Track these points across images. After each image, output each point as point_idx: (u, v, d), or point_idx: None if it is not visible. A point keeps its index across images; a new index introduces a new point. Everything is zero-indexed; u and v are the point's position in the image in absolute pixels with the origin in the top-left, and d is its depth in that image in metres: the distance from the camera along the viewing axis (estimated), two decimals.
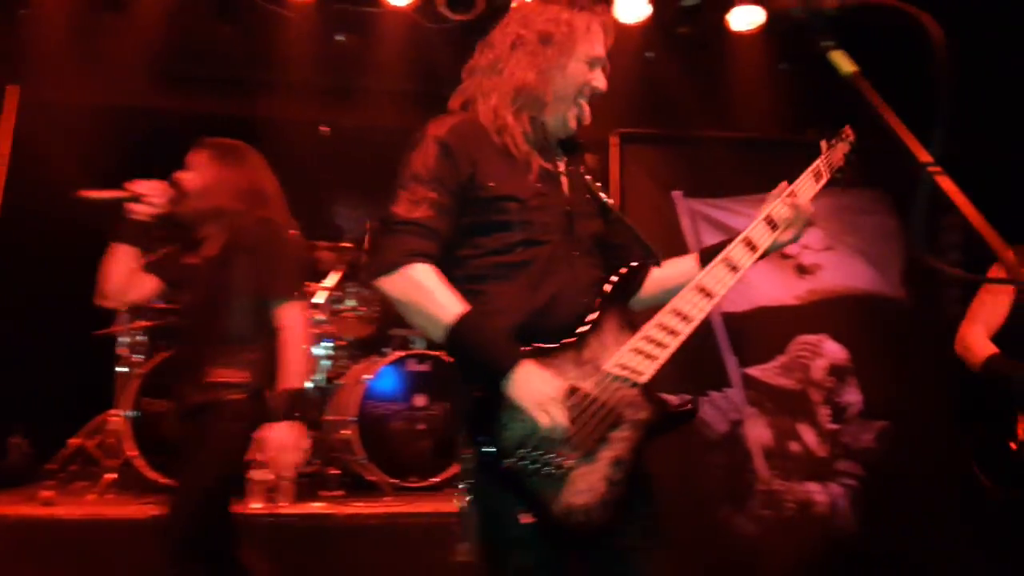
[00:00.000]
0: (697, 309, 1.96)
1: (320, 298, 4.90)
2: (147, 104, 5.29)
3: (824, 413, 5.30)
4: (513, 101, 2.01)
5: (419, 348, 4.88)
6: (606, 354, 1.90)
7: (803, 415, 5.26)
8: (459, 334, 1.84)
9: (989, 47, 4.85)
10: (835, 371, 5.35)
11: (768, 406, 5.19)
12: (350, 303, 5.03)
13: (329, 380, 4.95)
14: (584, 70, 2.03)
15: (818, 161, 2.21)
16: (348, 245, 5.22)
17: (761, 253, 2.04)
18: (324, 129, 5.98)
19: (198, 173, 2.95)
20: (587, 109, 2.08)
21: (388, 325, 5.14)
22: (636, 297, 2.16)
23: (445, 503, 3.94)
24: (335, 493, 4.16)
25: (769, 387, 5.24)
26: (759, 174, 5.38)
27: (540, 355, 1.85)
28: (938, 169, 1.49)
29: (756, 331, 5.11)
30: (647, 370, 1.91)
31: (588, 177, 2.13)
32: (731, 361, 5.14)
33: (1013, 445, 3.08)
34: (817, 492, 5.16)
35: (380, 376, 4.40)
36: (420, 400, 4.40)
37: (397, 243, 1.89)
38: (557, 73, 2.01)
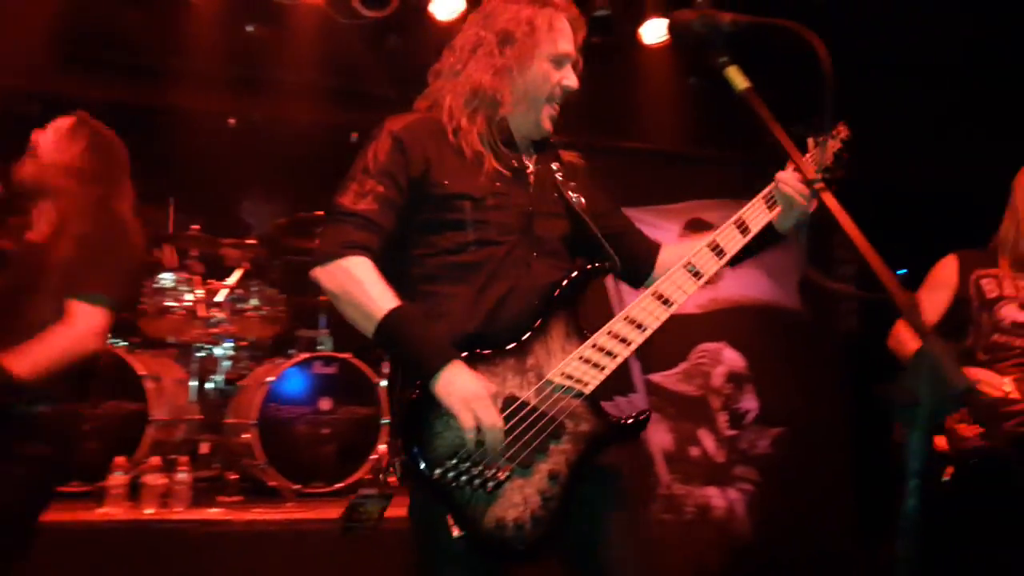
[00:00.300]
0: (652, 318, 1.90)
1: (221, 296, 4.74)
2: (47, 88, 5.01)
3: (723, 419, 5.46)
4: (467, 103, 1.98)
5: (326, 350, 4.78)
6: (551, 361, 1.85)
7: (703, 421, 5.40)
8: (389, 329, 1.78)
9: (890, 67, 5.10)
10: (733, 378, 5.52)
11: (670, 411, 5.31)
12: (253, 302, 4.87)
13: (229, 382, 4.80)
14: (549, 69, 2.00)
15: (802, 159, 2.00)
16: (253, 241, 5.07)
17: (728, 258, 1.98)
18: (231, 121, 5.81)
19: (52, 140, 2.65)
20: (556, 110, 2.04)
21: (294, 326, 5.02)
22: (651, 278, 2.14)
23: None
24: (233, 499, 4.03)
25: (671, 393, 5.36)
26: (670, 186, 5.58)
27: (478, 361, 1.80)
28: (822, 186, 1.51)
29: (660, 338, 5.20)
30: (592, 380, 1.85)
31: (559, 177, 2.08)
32: (635, 367, 5.24)
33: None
34: (715, 496, 5.31)
35: (284, 378, 4.28)
36: (326, 404, 4.30)
37: (336, 233, 1.85)
38: (516, 73, 1.98)
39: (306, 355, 4.41)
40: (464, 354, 1.79)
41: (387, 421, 4.37)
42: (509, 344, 1.84)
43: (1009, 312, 3.10)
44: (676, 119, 5.57)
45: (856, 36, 4.78)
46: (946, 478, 2.92)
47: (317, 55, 5.28)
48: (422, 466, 1.73)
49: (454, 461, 1.73)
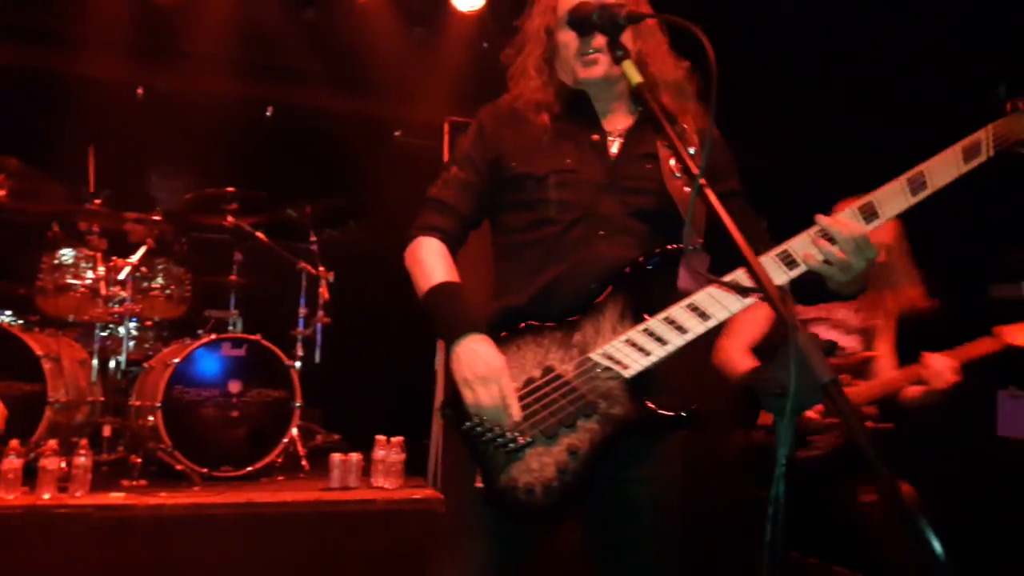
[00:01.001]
0: (720, 307, 1.79)
1: (124, 274, 4.57)
2: None
3: None
4: (531, 81, 2.05)
5: (236, 331, 4.67)
6: (598, 340, 1.85)
7: None
8: (425, 305, 1.93)
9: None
10: None
11: None
12: (159, 281, 4.72)
13: (133, 362, 4.64)
14: (566, 43, 2.01)
15: (985, 130, 1.77)
16: (158, 217, 4.88)
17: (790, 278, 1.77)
18: (138, 91, 5.60)
19: None
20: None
21: (202, 306, 4.89)
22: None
23: (260, 493, 3.80)
24: (137, 483, 3.91)
25: None
26: None
27: (525, 332, 1.87)
28: (704, 181, 1.53)
29: None
30: (634, 364, 1.81)
31: (663, 146, 1.95)
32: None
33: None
34: None
35: (190, 360, 4.17)
36: (235, 386, 4.21)
37: (418, 218, 2.03)
38: (552, 45, 2.04)
39: (214, 336, 4.30)
40: (508, 327, 1.88)
41: (299, 404, 4.32)
42: (560, 319, 1.88)
43: (819, 332, 3.35)
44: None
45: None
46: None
47: (231, 26, 5.15)
48: (455, 418, 1.85)
49: (479, 418, 1.82)
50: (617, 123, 2.03)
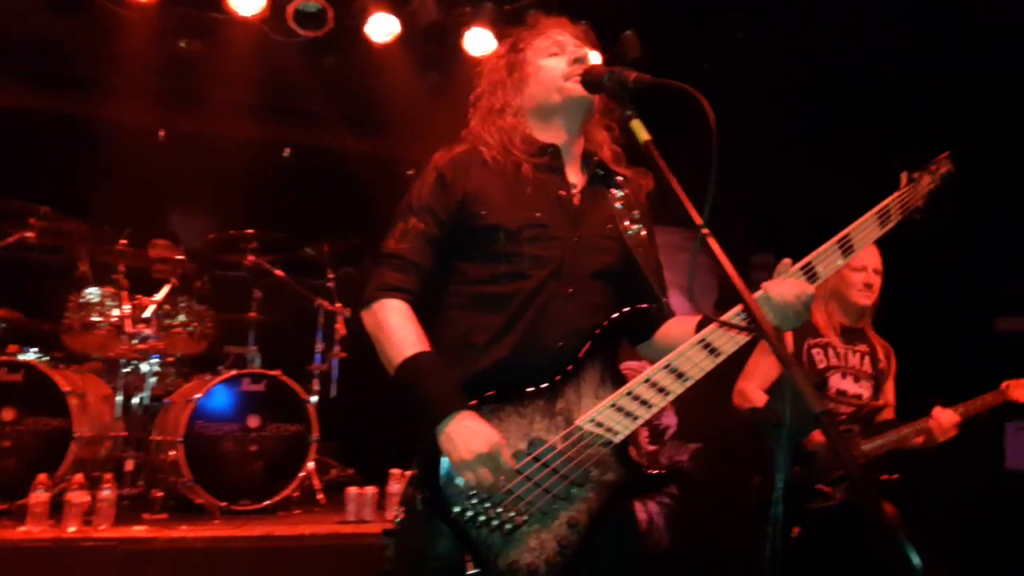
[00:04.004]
0: (697, 368, 1.81)
1: (149, 312, 4.71)
2: None
3: (644, 435, 5.65)
4: (500, 131, 2.01)
5: (255, 367, 4.79)
6: (582, 406, 1.80)
7: None
8: (401, 378, 1.80)
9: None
10: None
11: None
12: (181, 318, 4.85)
13: (155, 398, 4.76)
14: (548, 68, 2.01)
15: (890, 199, 1.96)
16: (181, 256, 5.03)
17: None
18: (160, 133, 5.78)
19: None
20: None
21: (223, 342, 5.01)
22: (651, 345, 2.03)
23: (277, 526, 3.89)
24: (159, 516, 4.01)
25: None
26: None
27: (504, 401, 1.78)
28: (707, 232, 1.59)
29: None
30: (624, 430, 1.79)
31: (618, 205, 2.01)
32: None
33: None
34: (637, 510, 5.48)
35: (211, 395, 4.28)
36: (254, 421, 4.31)
37: (377, 276, 1.91)
38: (525, 88, 2.04)
39: (234, 372, 4.41)
40: (487, 396, 1.78)
41: (316, 438, 4.41)
42: (539, 384, 1.81)
43: (835, 381, 3.48)
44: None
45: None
46: (794, 536, 3.23)
47: (251, 71, 5.31)
48: (443, 501, 1.72)
49: (473, 500, 1.72)
50: (576, 179, 2.03)
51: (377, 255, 1.95)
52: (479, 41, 5.23)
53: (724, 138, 1.60)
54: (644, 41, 5.20)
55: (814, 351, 3.51)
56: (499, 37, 2.22)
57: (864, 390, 3.52)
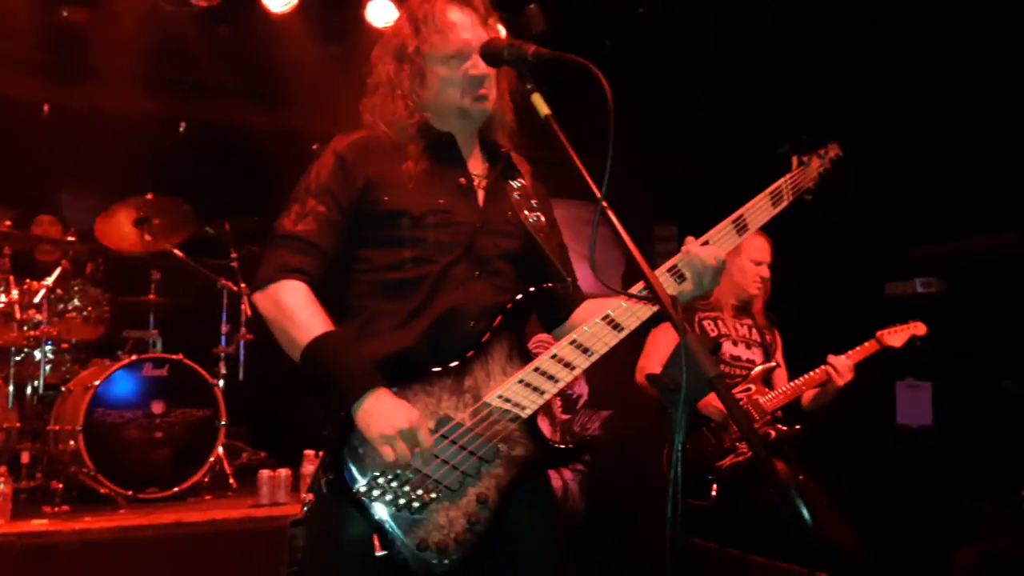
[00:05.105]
0: (601, 343, 1.84)
1: (39, 297, 4.47)
2: None
3: (557, 404, 5.74)
4: (398, 120, 1.95)
5: (157, 351, 4.62)
6: (490, 383, 1.82)
7: None
8: (311, 358, 1.76)
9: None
10: None
11: None
12: (75, 302, 4.63)
13: (50, 386, 4.54)
14: (449, 72, 1.94)
15: (782, 181, 2.04)
16: (72, 238, 4.80)
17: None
18: (44, 108, 5.47)
19: None
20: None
21: (121, 327, 4.81)
22: (565, 329, 2.04)
23: (188, 513, 3.79)
24: (60, 508, 3.85)
25: None
26: None
27: (412, 380, 1.78)
28: (605, 204, 1.62)
29: None
30: (531, 404, 1.81)
31: (516, 195, 2.02)
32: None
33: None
34: (552, 478, 5.57)
35: (111, 382, 4.11)
36: (158, 407, 4.17)
37: (273, 258, 1.85)
38: (421, 89, 1.96)
39: (134, 357, 4.25)
40: (394, 378, 1.75)
41: (224, 422, 4.30)
42: (447, 364, 1.81)
43: (728, 348, 3.77)
44: None
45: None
46: (713, 494, 3.49)
47: (142, 42, 5.07)
48: (349, 482, 1.71)
49: (380, 479, 1.71)
50: (476, 167, 2.03)
51: (272, 237, 1.89)
52: (381, 12, 5.12)
53: (628, 112, 1.62)
54: (548, 15, 5.20)
55: (705, 322, 3.79)
56: (400, 8, 2.10)
57: (755, 356, 3.79)
